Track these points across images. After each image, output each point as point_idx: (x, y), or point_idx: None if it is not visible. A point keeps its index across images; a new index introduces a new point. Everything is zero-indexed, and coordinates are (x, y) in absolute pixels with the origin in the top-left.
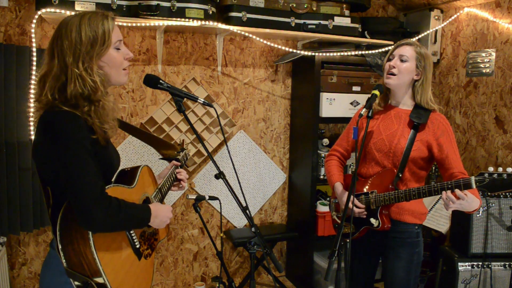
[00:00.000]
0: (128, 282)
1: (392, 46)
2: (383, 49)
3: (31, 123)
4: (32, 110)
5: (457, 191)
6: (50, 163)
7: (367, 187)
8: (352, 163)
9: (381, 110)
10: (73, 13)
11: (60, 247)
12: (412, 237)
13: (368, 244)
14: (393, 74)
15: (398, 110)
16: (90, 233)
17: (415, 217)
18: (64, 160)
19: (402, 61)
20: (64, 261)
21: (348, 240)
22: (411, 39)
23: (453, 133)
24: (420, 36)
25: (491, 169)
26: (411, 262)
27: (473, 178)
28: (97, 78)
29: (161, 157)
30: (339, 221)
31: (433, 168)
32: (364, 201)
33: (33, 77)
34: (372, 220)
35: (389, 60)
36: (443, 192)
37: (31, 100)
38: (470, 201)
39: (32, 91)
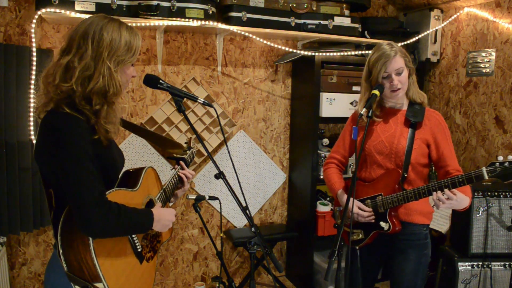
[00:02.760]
0: (128, 286)
1: (378, 61)
2: None
3: (31, 123)
4: (33, 98)
5: (446, 191)
6: (52, 166)
7: (372, 191)
8: (352, 163)
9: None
10: (73, 13)
11: (61, 251)
12: (421, 239)
13: (375, 248)
14: (398, 89)
15: (394, 110)
16: (91, 238)
17: (424, 217)
18: (64, 164)
19: (399, 73)
20: (65, 265)
21: (357, 248)
22: (385, 45)
23: (449, 130)
24: (420, 36)
25: (500, 158)
26: (419, 264)
27: (484, 169)
28: (122, 81)
29: (166, 156)
30: (347, 229)
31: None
32: (371, 205)
33: (33, 77)
34: (382, 224)
35: (384, 77)
36: (434, 193)
37: (33, 91)
38: (460, 200)
39: (32, 90)
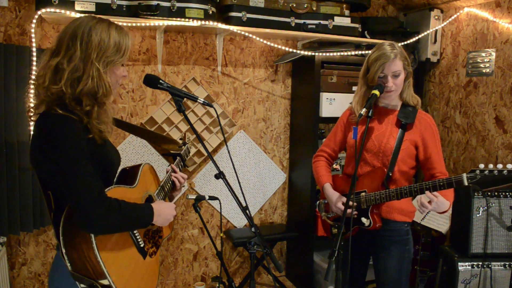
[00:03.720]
0: (134, 282)
1: (377, 61)
2: None
3: (31, 123)
4: (32, 102)
5: (427, 193)
6: (49, 168)
7: (357, 187)
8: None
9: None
10: (73, 13)
11: (64, 251)
12: (402, 235)
13: (358, 244)
14: (392, 90)
15: (387, 110)
16: (93, 235)
17: (405, 215)
18: (61, 164)
19: (395, 76)
20: (68, 265)
21: (342, 242)
22: (387, 45)
23: (438, 134)
24: (420, 36)
25: (481, 165)
26: (402, 260)
27: (464, 175)
28: (111, 83)
29: (163, 153)
30: (329, 222)
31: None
32: (354, 200)
33: (33, 77)
34: (363, 220)
35: (380, 77)
36: (418, 197)
37: (32, 93)
38: (440, 203)
39: (32, 90)
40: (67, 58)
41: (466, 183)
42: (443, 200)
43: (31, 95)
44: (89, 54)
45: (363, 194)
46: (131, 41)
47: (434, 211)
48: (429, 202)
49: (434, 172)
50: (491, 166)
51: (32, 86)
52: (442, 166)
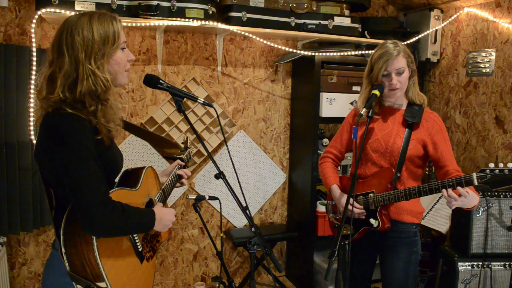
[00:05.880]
0: (130, 286)
1: (380, 58)
2: None
3: (31, 123)
4: (33, 109)
5: (459, 188)
6: (53, 165)
7: (364, 187)
8: (350, 164)
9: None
10: (73, 13)
11: (63, 250)
12: (410, 237)
13: (366, 245)
14: (397, 88)
15: (392, 110)
16: (94, 237)
17: (413, 216)
18: (67, 164)
19: (399, 73)
20: (67, 264)
21: (347, 242)
22: (389, 43)
23: (447, 131)
24: (420, 36)
25: (491, 165)
26: (409, 262)
27: (474, 174)
28: (108, 76)
29: (164, 156)
30: (336, 223)
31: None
32: (362, 201)
33: (33, 77)
34: (372, 221)
35: (384, 75)
36: (444, 191)
37: (33, 99)
38: (471, 198)
39: (32, 90)
40: (58, 66)
41: (476, 183)
42: (474, 195)
43: (35, 106)
44: (76, 55)
45: (371, 195)
46: (120, 24)
47: (465, 206)
48: (459, 195)
49: (448, 170)
50: (501, 165)
51: (33, 87)
52: (454, 163)
